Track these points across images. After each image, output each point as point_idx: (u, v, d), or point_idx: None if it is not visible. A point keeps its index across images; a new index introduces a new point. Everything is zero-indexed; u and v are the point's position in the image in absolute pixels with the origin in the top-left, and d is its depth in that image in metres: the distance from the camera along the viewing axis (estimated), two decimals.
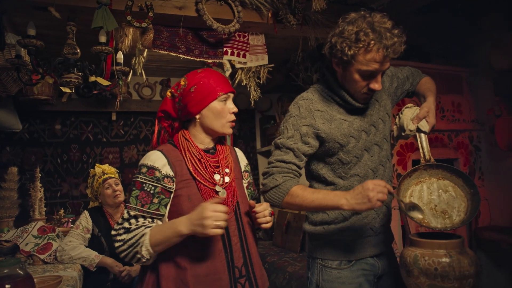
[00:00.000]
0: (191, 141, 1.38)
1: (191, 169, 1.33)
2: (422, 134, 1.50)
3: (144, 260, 1.23)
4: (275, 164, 1.45)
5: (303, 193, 1.38)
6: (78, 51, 2.17)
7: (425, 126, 1.49)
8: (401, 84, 1.70)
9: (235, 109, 1.41)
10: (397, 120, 1.57)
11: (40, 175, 3.19)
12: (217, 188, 1.35)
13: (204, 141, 1.42)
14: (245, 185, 1.53)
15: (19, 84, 2.60)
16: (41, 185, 3.14)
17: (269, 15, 2.70)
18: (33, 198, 3.05)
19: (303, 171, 1.53)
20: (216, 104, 1.37)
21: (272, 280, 3.20)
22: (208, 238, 1.28)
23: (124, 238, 1.23)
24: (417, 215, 1.39)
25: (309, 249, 1.64)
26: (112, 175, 2.77)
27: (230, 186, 1.39)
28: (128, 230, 1.24)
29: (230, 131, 1.42)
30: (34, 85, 2.40)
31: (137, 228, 1.24)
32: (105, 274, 2.48)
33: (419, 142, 1.51)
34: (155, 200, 1.28)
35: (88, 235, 2.60)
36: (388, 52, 1.30)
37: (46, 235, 2.63)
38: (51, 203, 3.96)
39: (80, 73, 2.19)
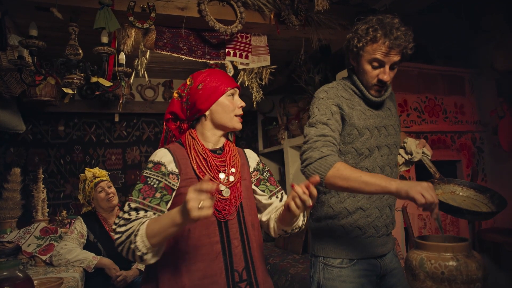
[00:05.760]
0: (197, 140, 1.38)
1: (195, 167, 1.32)
2: (426, 157, 1.69)
3: (139, 254, 1.14)
4: (317, 139, 1.45)
5: (351, 168, 1.35)
6: (80, 52, 2.18)
7: (427, 151, 1.70)
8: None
9: (243, 104, 1.44)
10: (401, 151, 1.75)
11: (43, 176, 3.20)
12: (221, 186, 1.33)
13: (212, 139, 1.41)
14: (253, 182, 1.50)
15: (22, 85, 2.61)
16: (44, 186, 3.15)
17: (272, 16, 2.70)
18: (36, 199, 3.06)
19: None
20: (224, 99, 1.40)
21: (275, 281, 3.19)
22: (206, 241, 1.26)
23: (123, 230, 1.18)
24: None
25: (312, 248, 1.67)
26: (104, 178, 2.75)
27: (235, 187, 1.37)
28: (128, 221, 1.19)
29: (239, 125, 1.44)
30: (36, 86, 2.40)
31: (136, 219, 1.19)
32: (107, 275, 2.47)
33: (426, 164, 1.70)
34: (157, 195, 1.25)
35: (83, 240, 2.57)
36: (392, 44, 1.45)
37: (48, 236, 2.63)
38: (54, 204, 3.97)
39: (82, 74, 2.19)
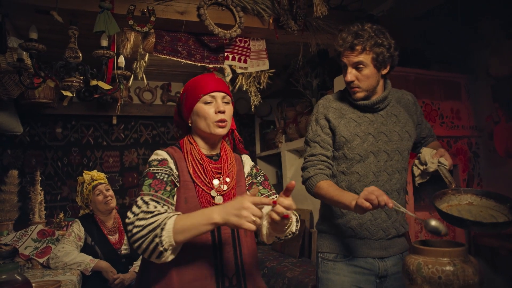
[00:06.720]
0: (194, 145, 1.40)
1: (191, 172, 1.34)
2: (443, 167, 1.66)
3: (161, 249, 1.11)
4: (308, 159, 1.67)
5: (328, 188, 1.54)
6: (80, 55, 2.18)
7: (444, 161, 1.67)
8: (422, 128, 1.85)
9: (221, 108, 1.36)
10: (416, 162, 1.73)
11: (40, 178, 3.20)
12: (213, 193, 1.34)
13: (204, 147, 1.42)
14: (246, 187, 1.50)
15: (21, 87, 2.61)
16: (41, 188, 3.15)
17: (271, 20, 2.72)
18: (33, 201, 3.05)
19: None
20: (198, 107, 1.37)
21: (271, 285, 3.19)
22: (197, 246, 1.26)
23: (144, 224, 1.13)
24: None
25: (317, 246, 1.77)
26: (102, 181, 2.74)
27: (229, 194, 1.38)
28: (148, 214, 1.15)
29: (218, 130, 1.37)
30: (35, 88, 2.40)
31: (159, 214, 1.16)
32: (104, 278, 2.46)
33: (442, 174, 1.66)
34: (168, 188, 1.26)
35: (80, 243, 2.56)
36: (343, 46, 1.56)
37: (45, 239, 2.62)
38: (51, 206, 3.96)
39: (82, 77, 2.19)
